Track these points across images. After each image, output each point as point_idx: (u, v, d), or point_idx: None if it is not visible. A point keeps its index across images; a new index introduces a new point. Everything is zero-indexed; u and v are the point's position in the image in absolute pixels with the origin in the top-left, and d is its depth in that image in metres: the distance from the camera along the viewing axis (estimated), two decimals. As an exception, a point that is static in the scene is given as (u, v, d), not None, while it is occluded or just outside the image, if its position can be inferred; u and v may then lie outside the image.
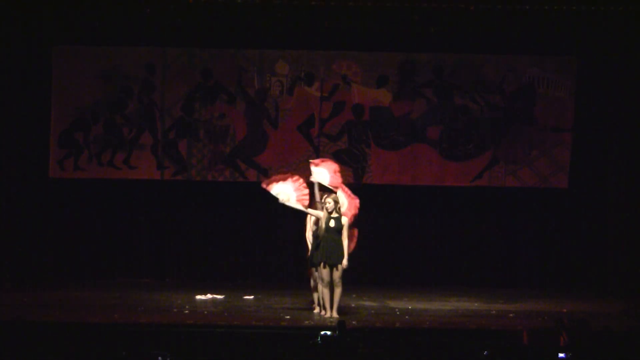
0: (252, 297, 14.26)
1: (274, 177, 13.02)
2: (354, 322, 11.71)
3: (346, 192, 12.73)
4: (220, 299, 14.08)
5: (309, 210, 12.52)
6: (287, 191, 12.63)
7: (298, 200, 12.60)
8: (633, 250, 15.46)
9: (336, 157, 15.24)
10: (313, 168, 12.73)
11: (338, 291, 12.34)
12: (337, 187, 12.69)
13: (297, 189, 12.67)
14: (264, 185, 12.79)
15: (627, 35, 15.17)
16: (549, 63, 15.84)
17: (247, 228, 16.22)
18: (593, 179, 15.92)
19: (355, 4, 14.59)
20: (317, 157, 14.81)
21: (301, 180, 12.76)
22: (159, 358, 8.75)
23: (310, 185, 12.70)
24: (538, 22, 14.95)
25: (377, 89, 15.89)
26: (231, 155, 15.88)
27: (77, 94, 15.70)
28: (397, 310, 13.27)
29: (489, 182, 15.93)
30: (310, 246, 12.56)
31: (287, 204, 12.60)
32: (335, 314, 12.30)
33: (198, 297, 14.10)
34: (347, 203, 12.63)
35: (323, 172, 12.71)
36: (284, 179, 12.75)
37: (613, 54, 15.57)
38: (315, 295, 12.76)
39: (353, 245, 12.65)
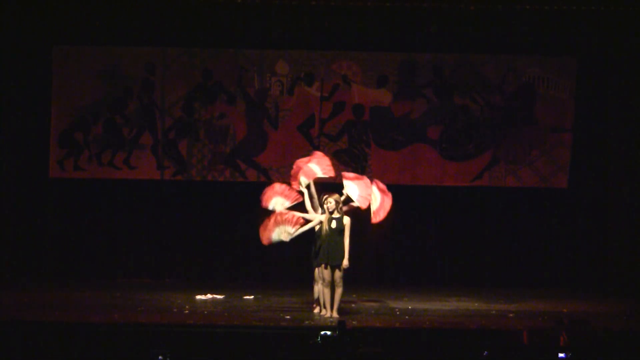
0: (252, 297, 14.25)
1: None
2: (354, 322, 11.69)
3: (379, 188, 12.59)
4: (220, 299, 14.07)
5: (310, 219, 12.46)
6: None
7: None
8: (633, 250, 15.46)
9: (336, 157, 15.28)
10: (345, 182, 12.50)
11: (339, 291, 12.33)
12: (369, 196, 12.47)
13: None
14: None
15: (627, 35, 15.17)
16: (549, 63, 15.85)
17: (247, 228, 16.20)
18: (593, 179, 15.93)
19: (355, 4, 14.59)
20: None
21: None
22: (159, 358, 8.76)
23: (307, 186, 12.64)
24: (538, 22, 14.96)
25: (377, 89, 15.89)
26: (231, 155, 15.88)
27: (77, 93, 15.72)
28: (397, 310, 13.26)
29: (489, 182, 15.94)
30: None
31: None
32: (335, 314, 12.29)
33: (198, 297, 14.09)
34: (379, 198, 12.50)
35: (353, 188, 12.54)
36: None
37: (613, 54, 15.58)
38: (316, 293, 12.74)
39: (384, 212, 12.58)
